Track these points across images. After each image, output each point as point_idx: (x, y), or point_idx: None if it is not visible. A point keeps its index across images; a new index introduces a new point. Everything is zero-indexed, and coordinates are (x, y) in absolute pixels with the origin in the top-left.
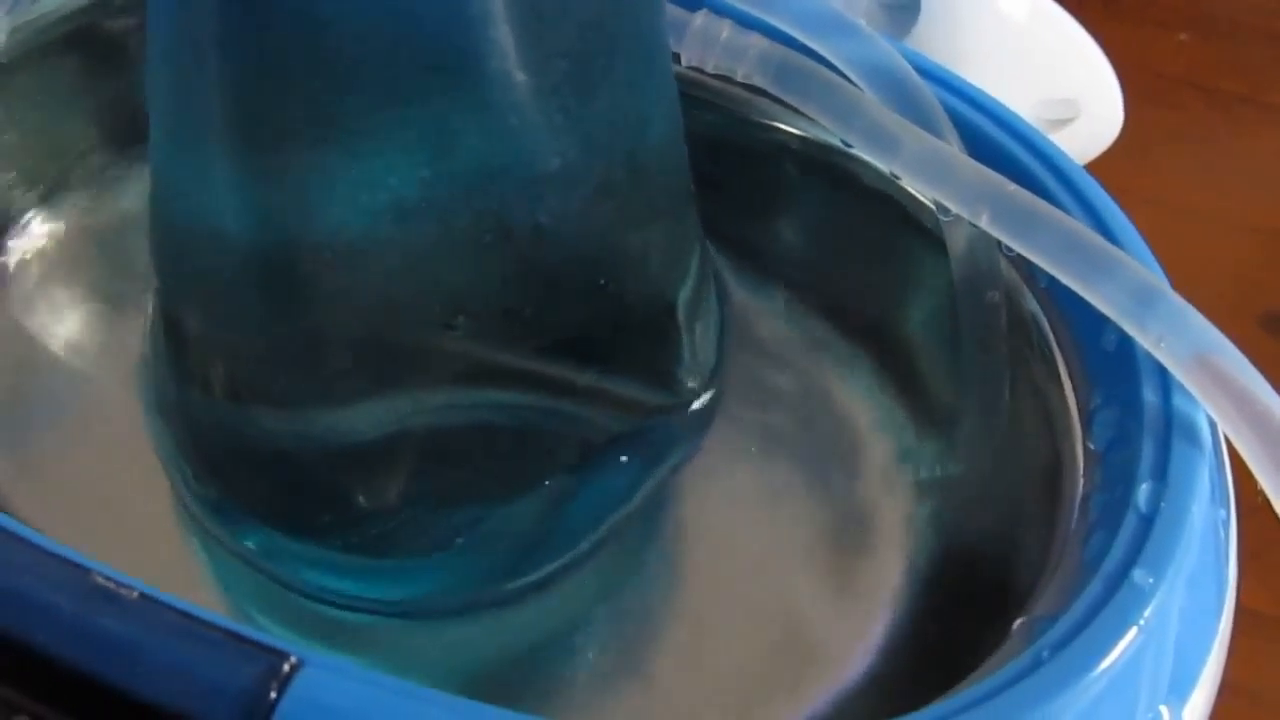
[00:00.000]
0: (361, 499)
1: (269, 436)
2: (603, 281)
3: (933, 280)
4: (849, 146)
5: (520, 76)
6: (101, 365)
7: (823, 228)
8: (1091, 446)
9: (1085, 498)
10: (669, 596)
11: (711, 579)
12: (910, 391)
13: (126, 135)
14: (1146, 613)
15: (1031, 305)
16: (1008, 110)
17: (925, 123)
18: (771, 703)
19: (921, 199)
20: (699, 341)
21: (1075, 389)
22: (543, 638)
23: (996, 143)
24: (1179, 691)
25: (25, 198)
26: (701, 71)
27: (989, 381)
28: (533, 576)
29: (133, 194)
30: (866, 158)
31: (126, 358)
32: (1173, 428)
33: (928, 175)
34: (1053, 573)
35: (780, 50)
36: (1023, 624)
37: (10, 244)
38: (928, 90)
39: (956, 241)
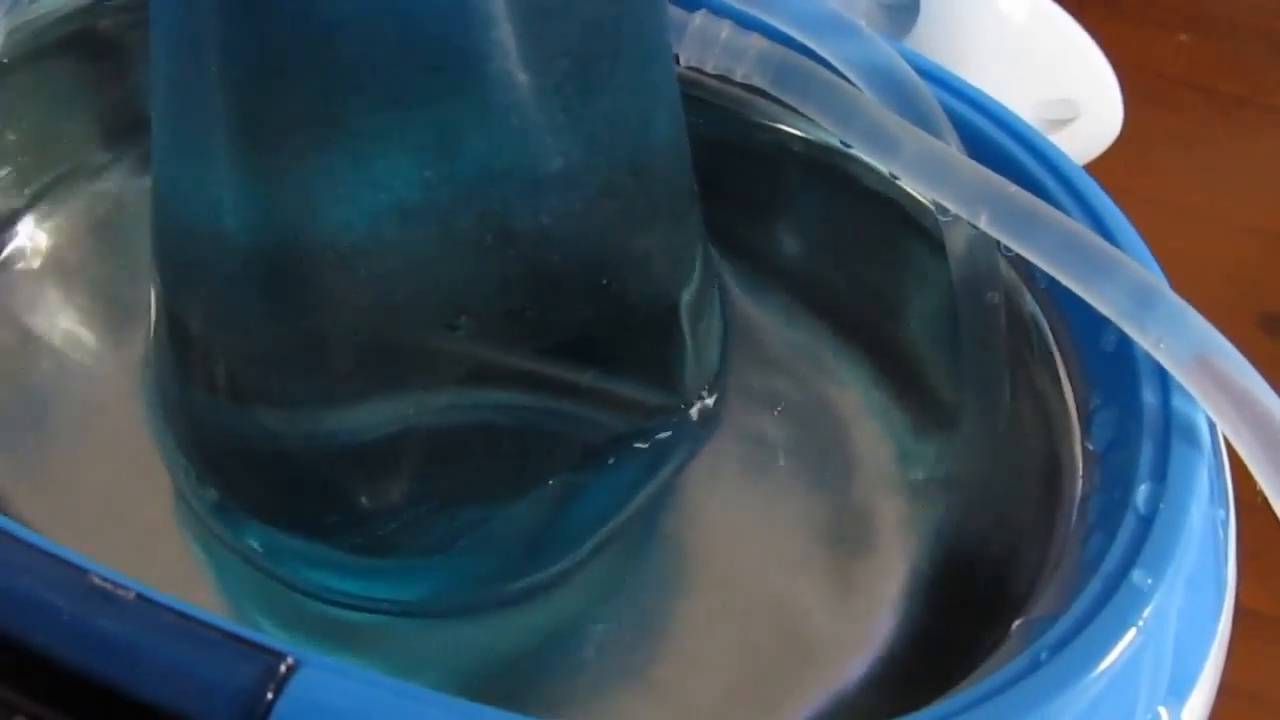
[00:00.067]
0: (364, 499)
1: (272, 437)
2: (605, 282)
3: (932, 281)
4: (848, 147)
5: (522, 76)
6: (102, 365)
7: (822, 229)
8: (1090, 447)
9: (1084, 498)
10: (670, 597)
11: (712, 579)
12: (910, 392)
13: (126, 135)
14: (1145, 613)
15: (1031, 306)
16: (1007, 110)
17: (924, 123)
18: (772, 703)
19: (921, 200)
20: (702, 342)
21: (1074, 390)
22: (545, 638)
23: (996, 143)
24: (1178, 692)
25: (25, 197)
26: (701, 72)
27: (989, 382)
28: (536, 577)
29: (132, 194)
30: (866, 158)
31: (127, 357)
32: (1172, 428)
33: (927, 176)
34: (1052, 573)
35: (779, 50)
36: (1022, 624)
37: (10, 244)
38: (927, 91)
39: (956, 242)
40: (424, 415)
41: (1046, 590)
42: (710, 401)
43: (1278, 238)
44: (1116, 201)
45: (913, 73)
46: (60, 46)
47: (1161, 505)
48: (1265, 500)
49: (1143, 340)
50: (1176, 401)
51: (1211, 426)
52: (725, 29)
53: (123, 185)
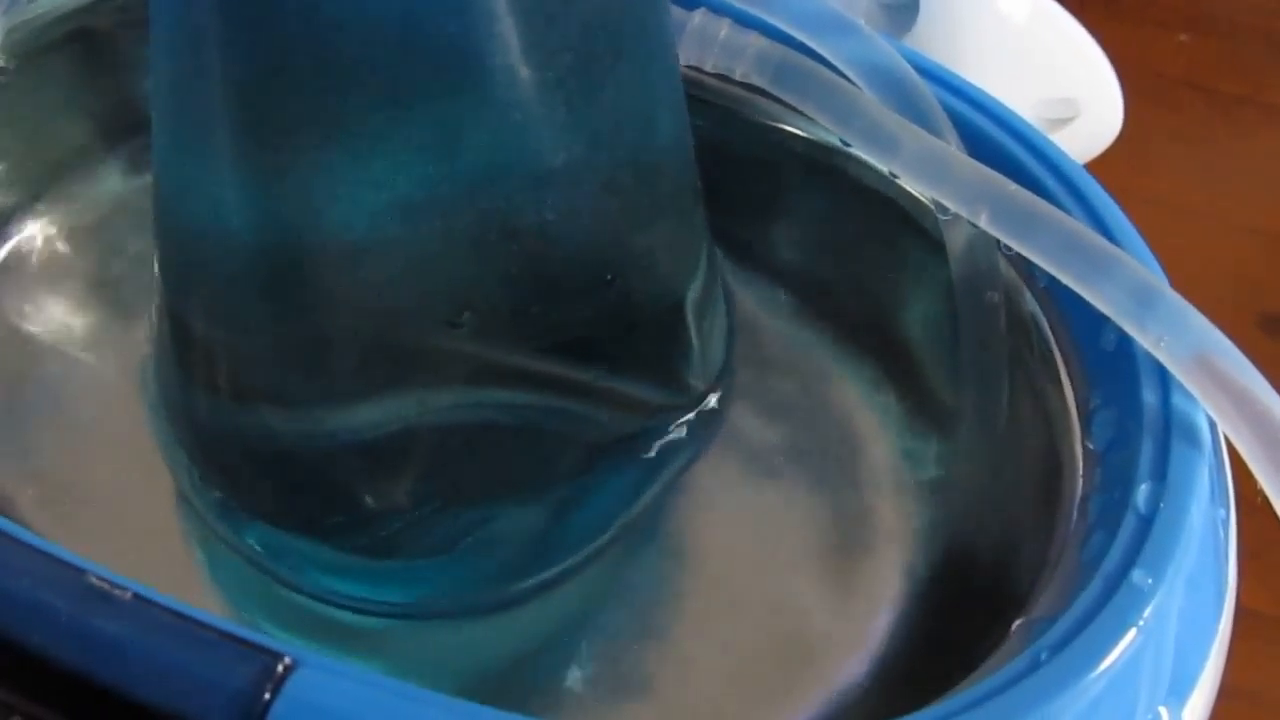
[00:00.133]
0: (368, 499)
1: (275, 436)
2: (609, 279)
3: (932, 281)
4: (848, 146)
5: (525, 73)
6: (102, 365)
7: (822, 228)
8: (1091, 447)
9: (1084, 498)
10: (670, 598)
11: (712, 580)
12: (910, 392)
13: (125, 134)
14: (1146, 613)
15: (1031, 305)
16: (1008, 110)
17: (925, 123)
18: (772, 703)
19: (921, 199)
20: (707, 341)
21: (1074, 389)
22: (545, 639)
23: (996, 143)
24: (1178, 692)
25: (24, 197)
26: (700, 71)
27: (989, 382)
28: (539, 578)
29: (133, 193)
30: (866, 158)
31: (128, 357)
32: (1172, 428)
33: (927, 175)
34: (1052, 573)
35: (779, 49)
36: (1022, 624)
37: (10, 243)
38: (927, 90)
39: (956, 241)
40: (427, 415)
41: (1046, 590)
42: (715, 401)
43: (1278, 238)
44: (1116, 201)
45: (913, 72)
46: (59, 46)
47: (1162, 505)
48: (1266, 500)
49: (1143, 339)
50: (1177, 401)
51: (1212, 426)
52: (724, 28)
53: (123, 185)
